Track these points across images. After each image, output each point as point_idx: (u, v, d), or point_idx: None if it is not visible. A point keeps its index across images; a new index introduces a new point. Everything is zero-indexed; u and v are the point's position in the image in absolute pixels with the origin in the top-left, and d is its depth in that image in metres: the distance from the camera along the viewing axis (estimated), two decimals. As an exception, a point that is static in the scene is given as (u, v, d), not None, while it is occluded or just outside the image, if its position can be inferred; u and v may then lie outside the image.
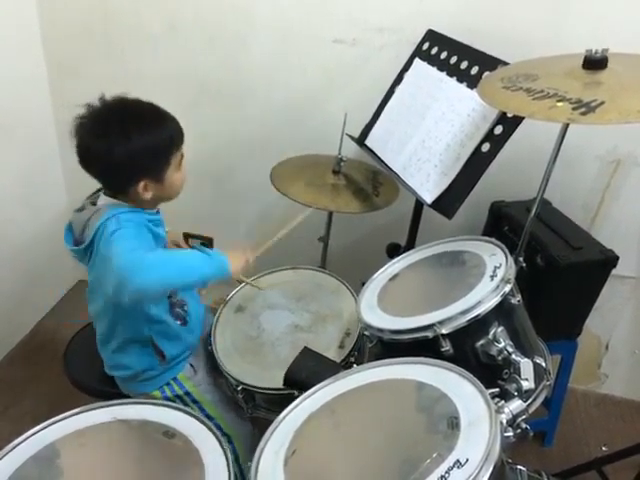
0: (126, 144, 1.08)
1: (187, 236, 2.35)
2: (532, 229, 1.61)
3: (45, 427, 1.00)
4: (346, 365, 1.27)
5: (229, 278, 1.17)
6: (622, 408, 2.04)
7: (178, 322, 1.30)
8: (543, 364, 1.08)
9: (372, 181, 1.61)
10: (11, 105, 1.86)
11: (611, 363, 2.06)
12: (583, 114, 0.93)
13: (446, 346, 1.00)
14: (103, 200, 1.19)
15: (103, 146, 1.08)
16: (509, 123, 1.24)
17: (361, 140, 1.66)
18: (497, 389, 0.88)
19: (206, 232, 2.22)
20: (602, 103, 0.93)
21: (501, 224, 1.72)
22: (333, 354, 1.28)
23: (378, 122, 1.63)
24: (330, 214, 1.69)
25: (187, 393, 1.32)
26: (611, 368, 2.07)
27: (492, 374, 1.02)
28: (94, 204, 1.20)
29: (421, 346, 1.03)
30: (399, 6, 1.69)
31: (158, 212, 1.27)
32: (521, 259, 1.32)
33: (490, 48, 1.40)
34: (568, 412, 1.84)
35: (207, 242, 2.31)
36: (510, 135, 1.25)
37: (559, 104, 0.96)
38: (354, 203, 1.52)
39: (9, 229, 1.96)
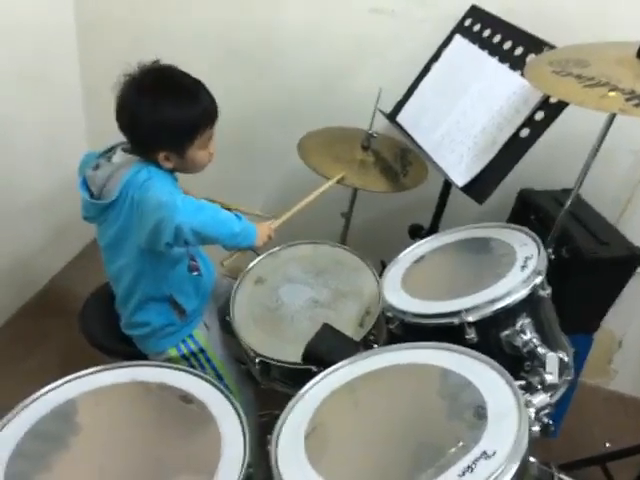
0: (152, 115, 1.10)
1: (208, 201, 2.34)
2: (560, 221, 1.59)
3: (64, 383, 1.01)
4: (365, 344, 1.26)
5: (253, 246, 1.24)
6: (629, 405, 2.04)
7: (195, 273, 1.33)
8: (566, 359, 1.07)
9: (401, 159, 1.58)
10: (38, 57, 1.83)
11: (622, 360, 2.05)
12: (636, 105, 0.89)
13: (471, 334, 0.99)
14: (121, 157, 1.18)
15: (132, 111, 1.12)
16: (552, 109, 1.20)
17: (393, 116, 1.62)
18: (522, 382, 0.87)
19: (228, 199, 2.21)
20: (657, 96, 0.89)
21: (528, 213, 1.69)
22: (352, 332, 1.26)
23: (412, 98, 1.59)
24: (355, 190, 1.66)
25: (202, 350, 1.34)
26: (622, 365, 2.06)
27: (515, 365, 1.00)
28: (109, 160, 1.20)
29: (445, 332, 1.01)
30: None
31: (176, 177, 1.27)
32: (550, 251, 1.29)
33: (533, 30, 1.35)
34: (575, 405, 1.83)
35: (225, 208, 2.30)
36: (552, 122, 1.21)
37: (611, 94, 0.93)
38: (382, 182, 1.49)
39: (29, 182, 1.95)
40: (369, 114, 1.56)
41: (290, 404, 0.87)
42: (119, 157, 1.19)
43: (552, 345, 1.04)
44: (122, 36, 1.96)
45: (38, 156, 1.96)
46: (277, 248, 1.51)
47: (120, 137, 1.20)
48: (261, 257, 1.49)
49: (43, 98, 1.91)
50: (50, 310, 2.04)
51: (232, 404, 0.97)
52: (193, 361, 1.33)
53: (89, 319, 1.46)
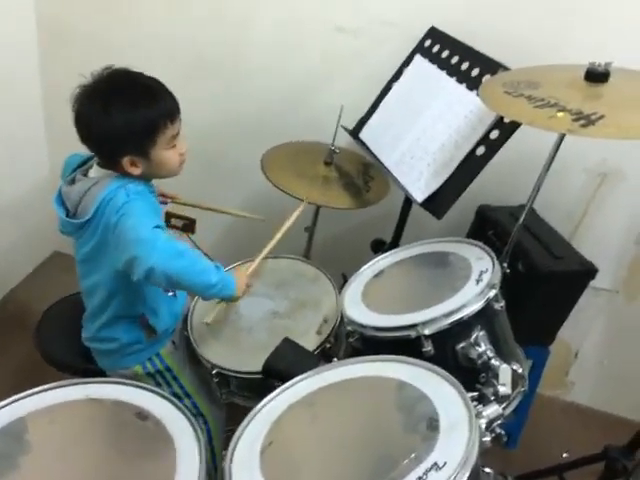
0: (106, 118, 1.06)
1: (170, 215, 2.31)
2: (516, 236, 1.64)
3: (15, 400, 0.98)
4: (322, 351, 1.26)
5: (232, 297, 1.18)
6: (586, 416, 2.09)
7: (170, 294, 1.31)
8: (519, 370, 1.09)
9: (363, 175, 1.60)
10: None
11: (579, 372, 2.10)
12: (583, 126, 0.93)
13: (427, 347, 1.00)
14: (97, 172, 1.16)
15: (86, 118, 1.09)
16: (505, 128, 1.25)
17: (355, 132, 1.65)
18: (476, 393, 0.89)
19: (190, 213, 2.20)
20: (602, 117, 0.94)
21: (486, 228, 1.73)
22: (310, 340, 1.28)
23: (374, 116, 1.62)
24: (318, 206, 1.67)
25: (168, 369, 1.31)
26: (579, 376, 2.11)
27: (470, 377, 1.02)
28: (86, 174, 1.17)
29: (402, 345, 1.03)
30: (404, 1, 1.67)
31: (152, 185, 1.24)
32: (505, 265, 1.33)
33: (490, 52, 1.40)
34: (534, 417, 1.87)
35: (190, 223, 2.28)
36: (506, 140, 1.25)
37: (559, 114, 0.97)
38: (345, 198, 1.51)
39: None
40: (333, 131, 1.58)
41: (246, 419, 0.86)
42: (95, 171, 1.16)
43: (506, 357, 1.07)
44: (86, 48, 1.93)
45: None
46: (237, 263, 1.51)
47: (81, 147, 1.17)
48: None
49: (2, 109, 1.87)
50: (7, 324, 1.98)
51: (189, 421, 0.96)
52: (159, 379, 1.31)
53: (45, 335, 1.43)
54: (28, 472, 0.87)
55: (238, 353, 1.28)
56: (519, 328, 1.51)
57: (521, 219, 1.29)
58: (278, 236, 1.41)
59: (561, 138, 1.16)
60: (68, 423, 0.96)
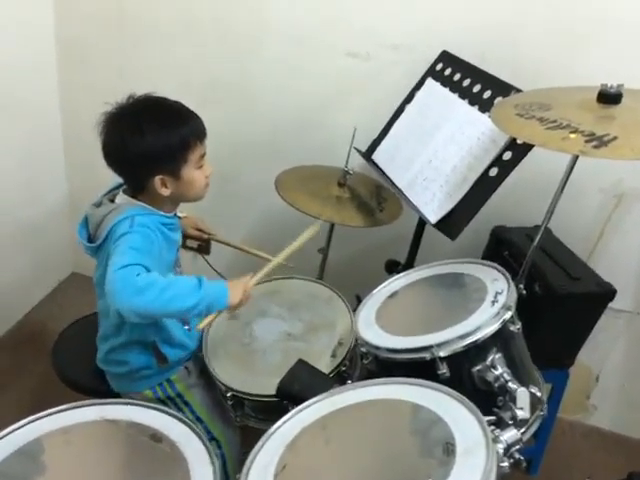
0: (141, 138, 1.09)
1: (185, 236, 2.34)
2: (532, 257, 1.62)
3: (31, 421, 0.99)
4: (338, 374, 1.26)
5: (226, 308, 1.14)
6: (608, 441, 2.04)
7: (186, 327, 1.31)
8: (538, 394, 1.07)
9: (376, 196, 1.61)
10: (17, 87, 1.84)
11: (600, 395, 2.06)
12: (596, 147, 0.93)
13: (443, 369, 0.99)
14: (121, 198, 1.19)
15: (118, 141, 1.11)
16: (518, 150, 1.25)
17: (368, 155, 1.67)
18: (493, 417, 0.88)
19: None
20: (615, 138, 0.94)
21: (501, 249, 1.72)
22: (325, 363, 1.27)
23: (386, 138, 1.63)
24: (332, 226, 1.68)
25: (179, 395, 1.31)
26: (600, 400, 2.07)
27: (487, 400, 1.01)
28: (112, 201, 1.20)
29: (417, 367, 1.02)
30: (414, 25, 1.70)
31: (175, 216, 1.26)
32: (521, 286, 1.32)
33: (501, 74, 1.41)
34: (555, 441, 1.83)
35: (205, 244, 2.30)
36: (519, 161, 1.25)
37: (572, 136, 0.97)
38: (358, 217, 1.51)
39: (7, 216, 1.94)
40: (346, 152, 1.60)
41: (260, 442, 0.86)
42: (119, 198, 1.19)
43: (524, 380, 1.05)
44: (104, 70, 1.99)
45: (17, 190, 1.96)
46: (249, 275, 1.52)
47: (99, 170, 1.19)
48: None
49: (23, 134, 1.92)
50: (25, 344, 2.00)
51: (204, 444, 0.95)
52: (169, 404, 1.31)
53: (62, 355, 1.45)
54: (43, 493, 0.87)
55: (252, 375, 1.28)
56: (537, 351, 1.48)
57: (536, 240, 1.29)
58: (288, 252, 1.34)
59: (575, 159, 1.16)
60: (83, 444, 0.97)
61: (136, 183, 1.17)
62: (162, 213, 1.19)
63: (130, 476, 0.93)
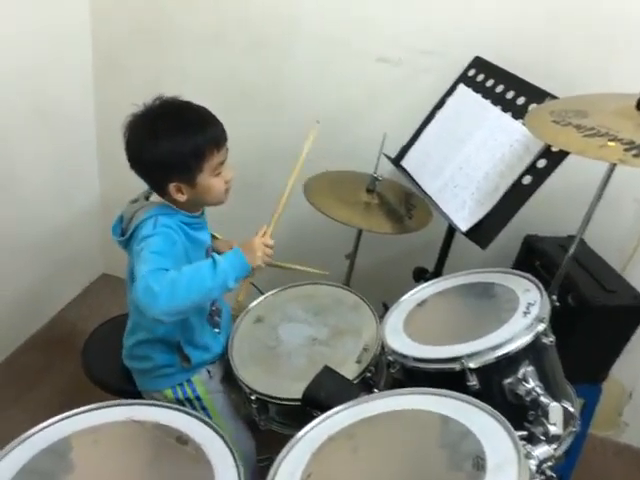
0: (155, 144, 1.09)
1: (213, 238, 2.36)
2: (566, 267, 1.58)
3: (60, 420, 1.00)
4: (363, 380, 1.24)
5: (252, 270, 1.15)
6: (641, 459, 1.97)
7: (216, 330, 1.32)
8: (571, 409, 1.04)
9: (405, 203, 1.59)
10: (54, 93, 1.88)
11: (633, 412, 1.99)
12: (636, 156, 0.90)
13: (473, 381, 0.97)
14: (154, 197, 1.20)
15: (136, 145, 1.12)
16: (553, 157, 1.22)
17: (397, 160, 1.65)
18: (525, 432, 0.85)
19: (232, 237, 2.23)
20: (656, 147, 0.91)
21: (533, 259, 1.69)
22: (349, 368, 1.26)
23: (416, 144, 1.62)
24: (359, 232, 1.67)
25: (198, 398, 1.31)
26: (633, 417, 2.00)
27: (518, 415, 0.98)
28: (147, 199, 1.22)
29: (446, 378, 1.00)
30: (446, 30, 1.68)
31: (202, 215, 1.27)
32: (554, 298, 1.28)
33: (535, 80, 1.39)
34: (585, 459, 1.77)
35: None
36: (553, 170, 1.22)
37: (610, 144, 0.94)
38: (387, 224, 1.50)
39: (40, 216, 1.98)
40: (375, 158, 1.59)
41: (285, 449, 0.85)
42: (154, 197, 1.20)
43: (556, 394, 1.02)
44: (138, 75, 2.02)
45: (50, 191, 2.00)
46: (278, 289, 1.53)
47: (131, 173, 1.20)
48: (262, 297, 1.50)
49: (57, 135, 1.96)
50: (56, 344, 2.04)
51: (228, 447, 0.95)
52: (188, 407, 1.31)
53: (91, 355, 1.47)
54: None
55: (277, 379, 1.27)
56: (569, 364, 1.45)
57: (571, 250, 1.26)
58: (298, 165, 1.35)
59: (612, 168, 1.13)
60: (111, 444, 0.97)
61: (154, 186, 1.18)
62: (185, 213, 1.20)
63: (155, 477, 0.93)
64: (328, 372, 1.13)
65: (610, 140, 0.95)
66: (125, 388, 1.36)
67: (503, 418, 0.79)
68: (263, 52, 1.86)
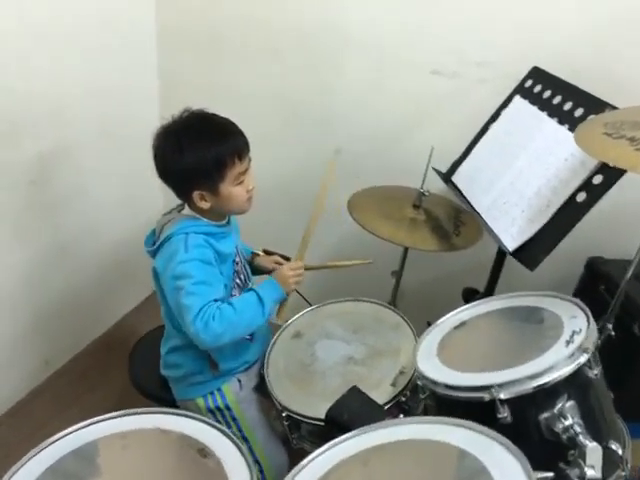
0: (179, 155, 1.14)
1: (267, 253, 2.39)
2: (632, 293, 1.45)
3: (90, 424, 1.03)
4: (397, 405, 1.19)
5: (287, 294, 1.29)
6: None
7: (247, 337, 1.33)
8: (619, 451, 0.94)
9: (454, 219, 1.53)
10: (122, 112, 1.99)
11: None
12: (692, 171, 0.80)
13: (503, 413, 0.90)
14: (186, 209, 1.25)
15: (162, 155, 1.17)
16: (610, 173, 1.12)
17: (448, 176, 1.59)
18: (551, 473, 0.77)
19: (286, 251, 2.24)
20: None
21: (597, 283, 1.56)
22: (384, 391, 1.21)
23: (468, 159, 1.55)
24: (405, 249, 1.62)
25: (227, 407, 1.32)
26: None
27: (555, 453, 0.90)
28: (180, 211, 1.27)
29: (476, 408, 0.93)
30: (502, 40, 1.61)
31: (227, 224, 1.29)
32: (610, 326, 1.17)
33: (596, 91, 1.28)
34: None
35: (286, 260, 2.32)
36: (610, 186, 1.12)
37: (666, 158, 0.84)
38: (432, 240, 1.44)
39: (109, 227, 2.09)
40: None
41: (292, 472, 0.82)
42: (186, 209, 1.25)
43: (601, 434, 0.93)
44: (198, 92, 2.09)
45: (116, 205, 2.10)
46: (319, 304, 1.51)
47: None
48: (302, 312, 1.49)
49: (124, 154, 2.06)
50: (114, 350, 2.12)
51: (246, 461, 0.94)
52: (218, 416, 1.32)
53: (136, 363, 1.52)
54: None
55: (309, 397, 1.25)
56: (630, 399, 1.33)
57: (629, 272, 1.14)
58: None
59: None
60: (137, 451, 0.99)
61: (180, 195, 1.23)
62: (209, 222, 1.24)
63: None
64: (355, 393, 1.10)
65: (665, 154, 0.85)
66: (164, 397, 1.39)
67: (523, 457, 0.72)
68: (315, 69, 1.87)
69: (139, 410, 1.07)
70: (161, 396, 1.40)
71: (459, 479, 0.76)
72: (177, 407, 1.34)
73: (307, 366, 1.34)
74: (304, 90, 1.93)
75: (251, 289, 1.25)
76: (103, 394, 1.91)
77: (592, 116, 1.22)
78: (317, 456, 0.85)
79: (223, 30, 1.96)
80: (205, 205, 1.20)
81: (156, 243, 1.23)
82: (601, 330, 1.18)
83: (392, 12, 1.70)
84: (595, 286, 1.55)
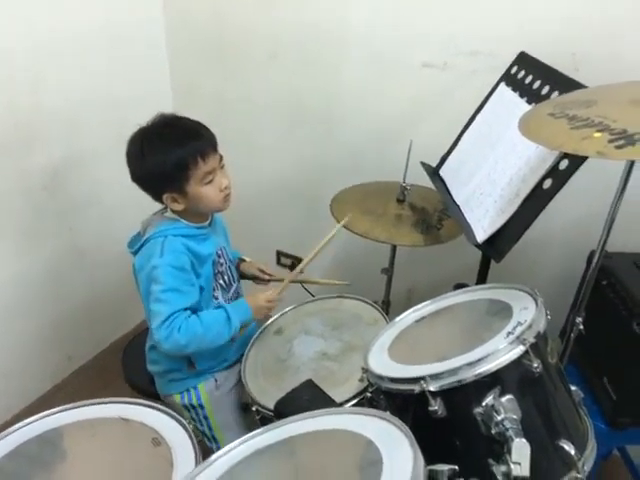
0: (142, 160, 1.17)
1: (280, 254, 2.42)
2: (634, 288, 1.36)
3: (57, 412, 1.09)
4: (362, 400, 1.17)
5: (254, 321, 1.32)
6: None
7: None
8: (572, 452, 0.88)
9: (439, 213, 1.48)
10: (137, 122, 2.07)
11: None
12: (618, 147, 0.75)
13: (435, 405, 0.86)
14: (168, 211, 1.28)
15: (129, 161, 1.21)
16: (574, 158, 1.05)
17: (436, 170, 1.55)
18: (450, 466, 0.74)
19: (298, 252, 2.26)
20: (650, 135, 0.74)
21: (599, 277, 1.45)
22: (351, 386, 1.20)
23: (454, 151, 1.51)
24: (394, 246, 1.60)
25: (201, 406, 1.34)
26: None
27: (489, 449, 0.85)
28: (163, 213, 1.30)
29: (411, 401, 0.91)
30: (495, 29, 1.55)
31: (210, 225, 1.31)
32: (579, 320, 1.10)
33: (599, 76, 1.21)
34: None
35: (297, 261, 2.35)
36: (574, 171, 1.05)
37: (596, 135, 0.79)
38: (412, 235, 1.41)
39: (117, 235, 2.15)
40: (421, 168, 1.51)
41: (193, 472, 0.83)
42: (168, 211, 1.28)
43: (545, 431, 0.87)
44: (208, 99, 2.16)
45: (129, 212, 2.18)
46: (304, 302, 1.51)
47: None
48: (286, 309, 1.50)
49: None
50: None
51: (196, 455, 0.96)
52: (192, 413, 1.35)
53: (129, 358, 1.58)
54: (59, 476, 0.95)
55: (280, 391, 1.25)
56: (633, 403, 1.30)
57: (594, 261, 1.06)
58: (311, 255, 1.39)
59: (630, 165, 0.94)
60: (100, 437, 1.03)
61: (154, 198, 1.25)
62: (189, 224, 1.25)
63: (127, 474, 0.97)
64: (308, 386, 1.09)
65: (598, 131, 0.80)
66: (154, 392, 1.44)
67: (419, 452, 0.69)
68: (315, 71, 1.88)
69: (105, 400, 1.13)
70: (151, 391, 1.44)
71: (358, 468, 0.74)
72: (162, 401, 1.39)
73: (282, 361, 1.35)
74: (307, 94, 1.94)
75: (221, 306, 1.26)
76: (117, 390, 2.00)
77: (564, 99, 1.15)
78: (224, 454, 0.86)
79: (229, 38, 2.02)
80: (178, 207, 1.22)
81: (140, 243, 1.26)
82: (572, 324, 1.12)
83: (384, 9, 1.68)
84: (597, 281, 1.44)
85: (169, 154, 1.15)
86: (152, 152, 1.16)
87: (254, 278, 1.48)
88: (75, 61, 1.80)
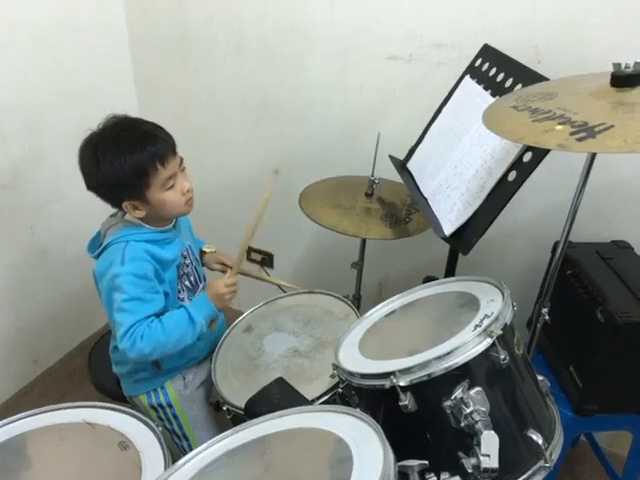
0: (97, 169, 1.09)
1: (250, 250, 2.39)
2: (596, 277, 1.38)
3: (20, 418, 1.06)
4: (334, 396, 1.17)
5: (220, 310, 1.25)
6: None
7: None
8: (539, 441, 0.89)
9: (407, 206, 1.49)
10: (99, 115, 2.01)
11: None
12: (580, 140, 0.75)
13: (405, 400, 0.87)
14: (128, 215, 1.21)
15: (83, 169, 1.14)
16: (538, 149, 1.06)
17: (404, 163, 1.55)
18: (420, 461, 0.74)
19: (268, 247, 2.24)
20: (610, 127, 0.75)
21: (564, 268, 1.48)
22: (323, 382, 1.20)
23: (421, 144, 1.51)
24: (363, 240, 1.60)
25: (169, 405, 1.32)
26: None
27: (460, 442, 0.86)
28: (124, 216, 1.23)
29: (382, 396, 0.91)
30: (459, 20, 1.55)
31: (174, 228, 1.26)
32: (545, 310, 1.11)
33: (561, 68, 1.22)
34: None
35: (267, 257, 2.33)
36: (537, 163, 1.06)
37: (558, 127, 0.80)
38: (381, 228, 1.41)
39: (90, 231, 2.12)
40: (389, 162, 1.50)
41: (163, 475, 0.82)
42: (128, 215, 1.21)
43: (514, 422, 0.88)
44: (172, 94, 2.12)
45: (94, 209, 2.12)
46: (274, 297, 1.50)
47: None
48: (256, 306, 1.48)
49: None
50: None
51: (164, 457, 0.95)
52: (160, 413, 1.32)
53: (94, 360, 1.55)
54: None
55: (251, 390, 1.24)
56: (603, 390, 1.30)
57: (558, 252, 1.08)
58: (249, 234, 1.29)
59: (592, 158, 0.96)
60: (66, 444, 1.00)
61: (113, 206, 1.19)
62: (152, 229, 1.20)
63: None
64: (279, 384, 1.08)
65: (560, 123, 0.81)
66: (119, 393, 1.41)
67: (389, 450, 0.69)
68: (279, 65, 1.86)
69: (69, 404, 1.09)
70: (118, 393, 1.41)
71: (329, 465, 0.73)
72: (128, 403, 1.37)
73: (253, 359, 1.34)
74: (272, 88, 1.92)
75: (182, 306, 1.21)
76: (85, 393, 1.96)
77: (527, 91, 1.16)
78: (193, 457, 0.85)
79: (192, 31, 1.98)
80: (140, 214, 1.16)
81: (100, 247, 1.21)
82: (538, 314, 1.13)
83: (346, 1, 1.67)
84: (562, 271, 1.47)
85: (126, 160, 1.07)
86: (107, 159, 1.08)
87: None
88: (34, 54, 1.75)
